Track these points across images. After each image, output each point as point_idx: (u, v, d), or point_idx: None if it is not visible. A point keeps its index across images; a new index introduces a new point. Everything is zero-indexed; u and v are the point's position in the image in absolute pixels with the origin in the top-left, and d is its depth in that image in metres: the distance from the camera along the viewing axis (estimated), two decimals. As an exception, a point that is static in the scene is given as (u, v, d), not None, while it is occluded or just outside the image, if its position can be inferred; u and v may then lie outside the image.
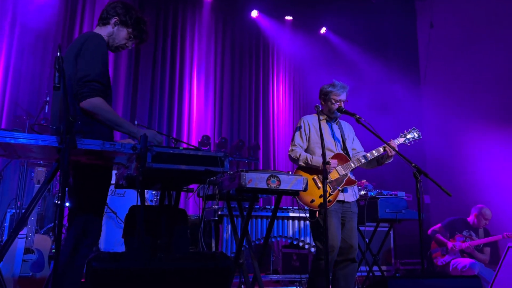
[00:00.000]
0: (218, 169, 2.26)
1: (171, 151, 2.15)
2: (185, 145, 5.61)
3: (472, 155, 6.47)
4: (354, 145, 3.61)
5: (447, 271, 4.92)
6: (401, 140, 3.61)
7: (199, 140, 6.81)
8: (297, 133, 3.49)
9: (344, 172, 3.34)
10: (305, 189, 2.85)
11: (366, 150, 3.60)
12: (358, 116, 3.25)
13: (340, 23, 8.16)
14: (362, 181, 5.09)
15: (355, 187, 3.45)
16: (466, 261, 4.81)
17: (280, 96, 8.37)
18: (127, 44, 2.51)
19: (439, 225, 5.24)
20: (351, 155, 3.50)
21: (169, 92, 7.15)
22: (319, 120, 3.11)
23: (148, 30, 2.54)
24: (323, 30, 8.47)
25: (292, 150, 3.44)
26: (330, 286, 3.15)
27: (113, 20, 2.42)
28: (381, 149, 3.42)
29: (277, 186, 2.73)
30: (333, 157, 3.34)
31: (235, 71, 7.92)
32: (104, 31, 2.43)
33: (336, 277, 3.33)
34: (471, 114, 6.49)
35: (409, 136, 3.64)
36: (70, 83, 2.20)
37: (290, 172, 3.01)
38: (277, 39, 8.35)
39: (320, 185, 3.29)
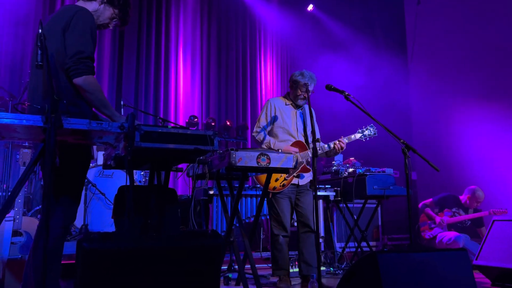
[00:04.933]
0: (208, 148, 2.24)
1: (160, 130, 2.12)
2: (172, 125, 5.56)
3: (458, 132, 6.54)
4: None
5: (433, 245, 5.03)
6: (358, 135, 3.78)
7: (187, 120, 6.75)
8: (263, 115, 3.61)
9: (301, 160, 3.42)
10: (295, 167, 2.87)
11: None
12: (347, 93, 3.25)
13: (327, 0, 8.07)
14: (350, 158, 5.13)
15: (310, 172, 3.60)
16: (451, 234, 4.92)
17: (267, 75, 8.31)
18: (109, 24, 2.47)
19: (430, 199, 5.33)
20: (310, 141, 3.58)
21: (155, 72, 7.03)
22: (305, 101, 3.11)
23: (131, 13, 2.52)
24: (310, 7, 8.37)
25: (257, 132, 3.57)
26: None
27: None
28: (332, 145, 3.58)
29: (267, 164, 2.73)
30: (293, 144, 3.48)
31: (222, 49, 7.81)
32: (89, 6, 2.35)
33: (300, 250, 3.48)
34: (458, 91, 6.53)
35: (366, 132, 3.81)
36: (55, 58, 2.14)
37: (280, 150, 3.00)
38: (263, 16, 8.23)
39: None
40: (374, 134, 3.82)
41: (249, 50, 8.10)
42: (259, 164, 2.71)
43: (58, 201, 2.14)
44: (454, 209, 5.17)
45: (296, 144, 3.49)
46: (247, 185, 4.24)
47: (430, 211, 5.20)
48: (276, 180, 3.40)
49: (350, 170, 4.67)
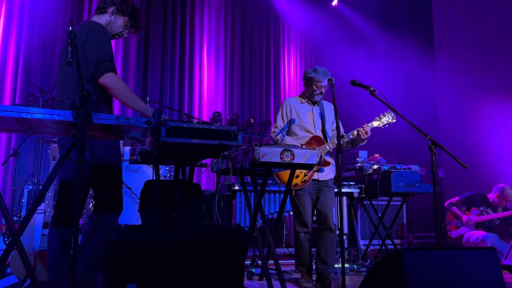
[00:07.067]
0: (232, 143, 2.25)
1: (185, 125, 2.15)
2: (197, 121, 5.62)
3: (487, 129, 6.36)
4: (334, 126, 3.65)
5: (460, 244, 4.93)
6: (375, 123, 3.65)
7: (210, 116, 6.80)
8: (279, 115, 3.63)
9: None
10: (319, 163, 2.85)
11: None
12: (372, 88, 3.20)
13: (351, -6, 7.97)
14: (375, 155, 5.07)
15: (332, 166, 3.55)
16: (479, 233, 4.80)
17: (291, 71, 8.28)
18: (123, 32, 2.63)
19: (456, 198, 5.21)
20: (329, 136, 3.58)
21: (180, 68, 7.12)
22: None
23: (142, 18, 2.67)
24: (334, 2, 8.28)
25: (274, 132, 3.58)
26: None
27: (110, 9, 2.54)
28: (355, 132, 3.50)
29: (291, 160, 2.72)
30: (310, 139, 3.48)
31: (245, 46, 7.82)
32: (102, 19, 2.53)
33: (317, 247, 3.48)
34: (487, 86, 6.35)
35: (384, 119, 3.69)
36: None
37: (303, 146, 2.99)
38: (287, 12, 8.20)
39: None
40: (393, 119, 3.70)
41: (272, 46, 8.09)
42: (283, 160, 2.70)
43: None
44: (481, 208, 5.04)
45: (313, 139, 3.50)
46: (271, 181, 4.24)
47: (457, 210, 5.09)
48: (297, 176, 3.39)
49: (375, 167, 4.62)
